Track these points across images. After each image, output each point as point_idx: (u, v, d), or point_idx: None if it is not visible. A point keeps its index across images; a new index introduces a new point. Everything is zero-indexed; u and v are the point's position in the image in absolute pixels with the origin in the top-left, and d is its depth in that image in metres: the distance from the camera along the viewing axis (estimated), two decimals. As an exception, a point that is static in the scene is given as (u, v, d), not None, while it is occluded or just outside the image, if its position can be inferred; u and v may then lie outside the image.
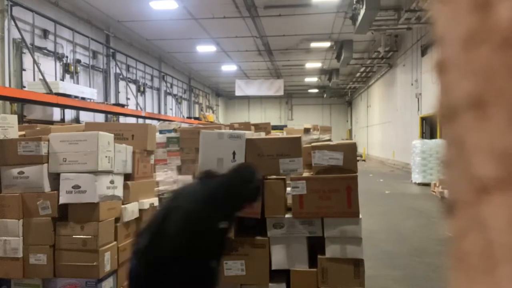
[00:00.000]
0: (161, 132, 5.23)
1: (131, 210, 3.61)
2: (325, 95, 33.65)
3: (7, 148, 3.25)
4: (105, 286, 3.29)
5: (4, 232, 3.18)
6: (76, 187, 3.17)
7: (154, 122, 13.32)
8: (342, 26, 16.07)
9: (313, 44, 19.05)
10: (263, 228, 3.23)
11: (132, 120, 16.26)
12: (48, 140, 3.25)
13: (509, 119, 0.30)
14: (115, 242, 3.40)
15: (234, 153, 3.24)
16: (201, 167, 3.28)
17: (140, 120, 16.69)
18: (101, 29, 15.36)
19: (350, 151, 3.30)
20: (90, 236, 3.17)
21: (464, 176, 0.34)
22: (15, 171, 3.22)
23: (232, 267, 3.23)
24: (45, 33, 11.82)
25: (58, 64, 12.11)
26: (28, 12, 10.67)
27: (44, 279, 3.24)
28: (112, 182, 3.37)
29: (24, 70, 10.81)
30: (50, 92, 10.11)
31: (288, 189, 3.36)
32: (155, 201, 4.02)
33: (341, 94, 36.27)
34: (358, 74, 25.96)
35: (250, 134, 3.96)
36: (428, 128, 16.59)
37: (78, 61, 13.40)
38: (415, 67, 16.94)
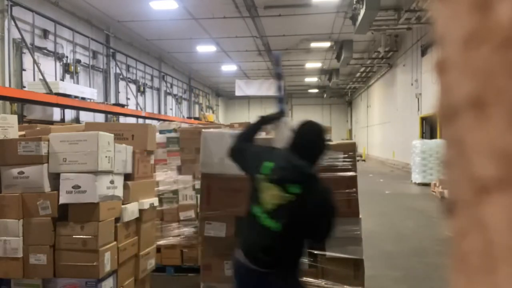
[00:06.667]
0: (161, 132, 5.22)
1: (131, 210, 3.61)
2: (325, 95, 33.64)
3: (7, 148, 3.25)
4: (105, 286, 3.29)
5: (4, 232, 3.18)
6: (76, 187, 3.17)
7: (154, 122, 13.33)
8: (342, 26, 16.06)
9: (313, 44, 19.05)
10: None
11: (132, 120, 16.26)
12: (48, 140, 3.25)
13: (509, 119, 0.30)
14: (115, 242, 3.39)
15: (234, 153, 3.23)
16: (201, 167, 3.28)
17: (140, 120, 16.69)
18: (101, 29, 15.36)
19: (350, 151, 3.30)
20: (90, 236, 3.17)
21: (464, 176, 0.34)
22: (15, 171, 3.22)
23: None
24: (45, 33, 11.82)
25: (58, 64, 12.11)
26: (28, 12, 10.67)
27: (44, 279, 3.24)
28: (112, 182, 3.37)
29: (24, 70, 10.81)
30: (50, 92, 10.12)
31: (288, 189, 3.35)
32: (155, 201, 4.01)
33: (341, 94, 36.27)
34: (358, 74, 25.95)
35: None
36: (428, 128, 16.59)
37: (78, 61, 13.40)
38: (415, 67, 16.93)
